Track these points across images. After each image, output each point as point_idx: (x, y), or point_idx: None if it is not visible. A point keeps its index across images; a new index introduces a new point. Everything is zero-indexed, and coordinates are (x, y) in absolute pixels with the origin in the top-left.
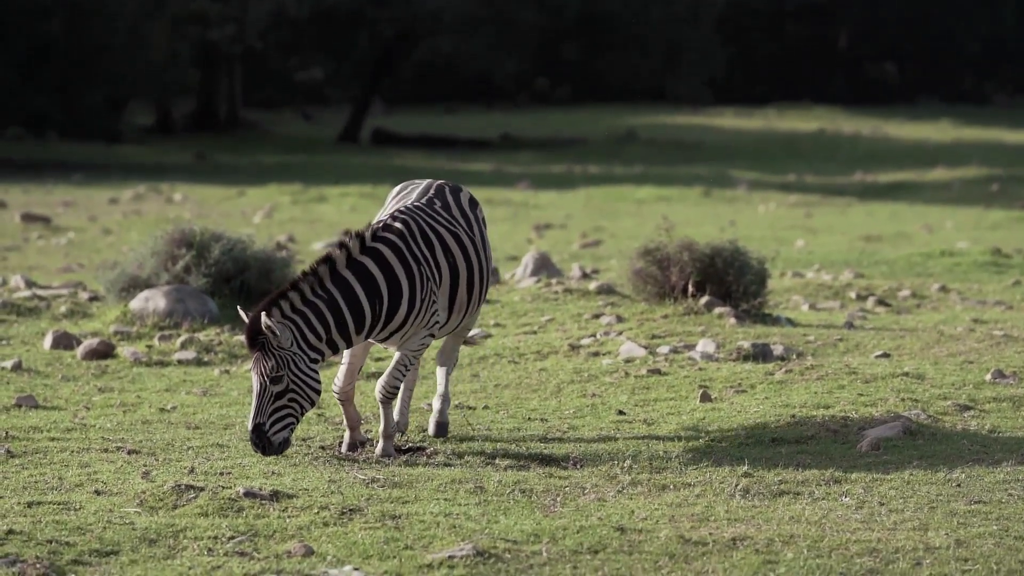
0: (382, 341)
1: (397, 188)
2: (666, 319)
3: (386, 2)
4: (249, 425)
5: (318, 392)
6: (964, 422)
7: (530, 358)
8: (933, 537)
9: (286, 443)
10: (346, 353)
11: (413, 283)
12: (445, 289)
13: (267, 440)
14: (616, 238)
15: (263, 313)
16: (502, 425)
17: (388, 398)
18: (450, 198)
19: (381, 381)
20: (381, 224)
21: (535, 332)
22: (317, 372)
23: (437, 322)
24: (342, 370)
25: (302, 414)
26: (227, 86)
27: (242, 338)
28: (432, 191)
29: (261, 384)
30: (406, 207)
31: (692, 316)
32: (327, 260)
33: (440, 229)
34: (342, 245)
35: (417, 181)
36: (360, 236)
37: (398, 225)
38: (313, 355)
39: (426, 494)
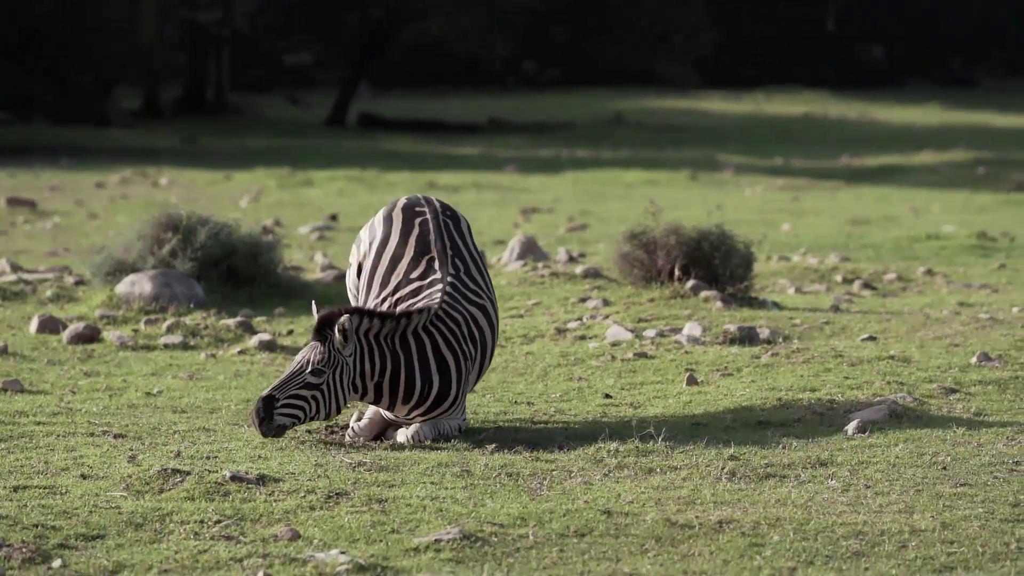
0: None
1: (399, 213)
2: (652, 303)
3: None
4: (263, 392)
5: (338, 412)
6: (950, 405)
7: (516, 342)
8: (919, 520)
9: (282, 430)
10: (372, 407)
11: (461, 375)
12: (476, 367)
13: (271, 415)
14: (603, 222)
15: (347, 315)
16: (488, 409)
17: (418, 443)
18: (463, 248)
19: (413, 430)
20: (435, 312)
21: (521, 316)
22: (348, 398)
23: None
24: (365, 422)
25: (311, 417)
26: (215, 70)
27: (228, 322)
28: (448, 242)
29: (300, 367)
30: (448, 292)
31: (678, 300)
32: (407, 316)
33: (474, 311)
34: (420, 311)
35: (420, 206)
36: (427, 311)
37: (452, 325)
38: (357, 382)
39: (412, 478)
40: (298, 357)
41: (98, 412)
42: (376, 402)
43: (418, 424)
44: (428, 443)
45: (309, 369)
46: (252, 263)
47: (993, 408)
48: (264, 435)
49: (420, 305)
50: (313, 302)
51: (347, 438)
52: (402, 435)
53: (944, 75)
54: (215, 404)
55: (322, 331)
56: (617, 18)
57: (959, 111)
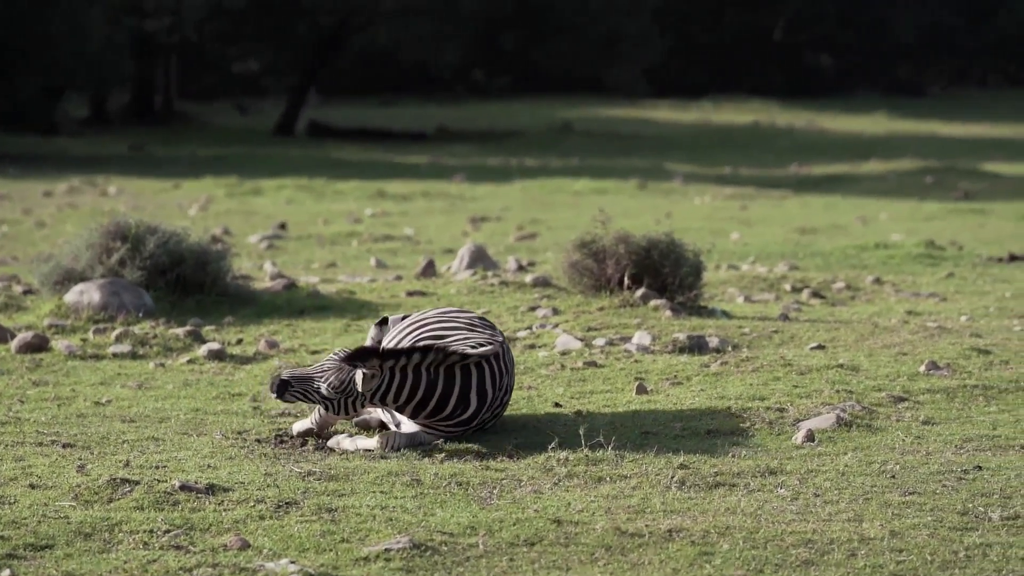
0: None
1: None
2: (602, 311)
3: None
4: (283, 375)
5: (348, 418)
6: (898, 413)
7: None
8: (868, 528)
9: (292, 400)
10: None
11: (485, 405)
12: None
13: (282, 394)
14: (552, 230)
15: (361, 371)
16: None
17: (388, 447)
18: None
19: (386, 436)
20: (487, 350)
21: None
22: (362, 410)
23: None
24: (316, 417)
25: (318, 408)
26: (163, 77)
27: (177, 331)
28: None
29: (320, 375)
30: (503, 343)
31: (628, 308)
32: (463, 355)
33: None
34: (481, 348)
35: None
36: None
37: (504, 364)
38: (377, 403)
39: (362, 487)
40: (326, 360)
41: (47, 421)
42: (399, 411)
43: (391, 432)
44: (397, 450)
45: (324, 387)
46: (201, 272)
47: (941, 416)
48: (275, 391)
49: (483, 350)
50: (378, 323)
51: (306, 425)
52: (364, 442)
53: (892, 83)
54: (164, 413)
55: (351, 360)
56: (565, 26)
57: (906, 120)
